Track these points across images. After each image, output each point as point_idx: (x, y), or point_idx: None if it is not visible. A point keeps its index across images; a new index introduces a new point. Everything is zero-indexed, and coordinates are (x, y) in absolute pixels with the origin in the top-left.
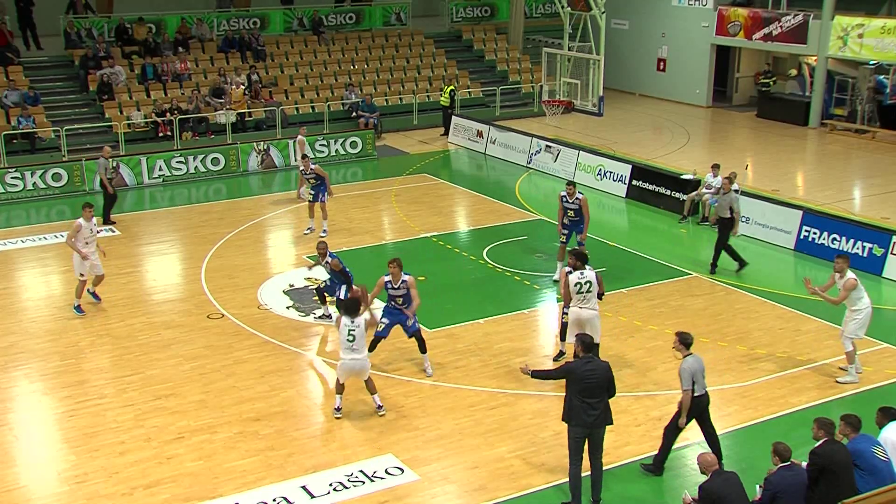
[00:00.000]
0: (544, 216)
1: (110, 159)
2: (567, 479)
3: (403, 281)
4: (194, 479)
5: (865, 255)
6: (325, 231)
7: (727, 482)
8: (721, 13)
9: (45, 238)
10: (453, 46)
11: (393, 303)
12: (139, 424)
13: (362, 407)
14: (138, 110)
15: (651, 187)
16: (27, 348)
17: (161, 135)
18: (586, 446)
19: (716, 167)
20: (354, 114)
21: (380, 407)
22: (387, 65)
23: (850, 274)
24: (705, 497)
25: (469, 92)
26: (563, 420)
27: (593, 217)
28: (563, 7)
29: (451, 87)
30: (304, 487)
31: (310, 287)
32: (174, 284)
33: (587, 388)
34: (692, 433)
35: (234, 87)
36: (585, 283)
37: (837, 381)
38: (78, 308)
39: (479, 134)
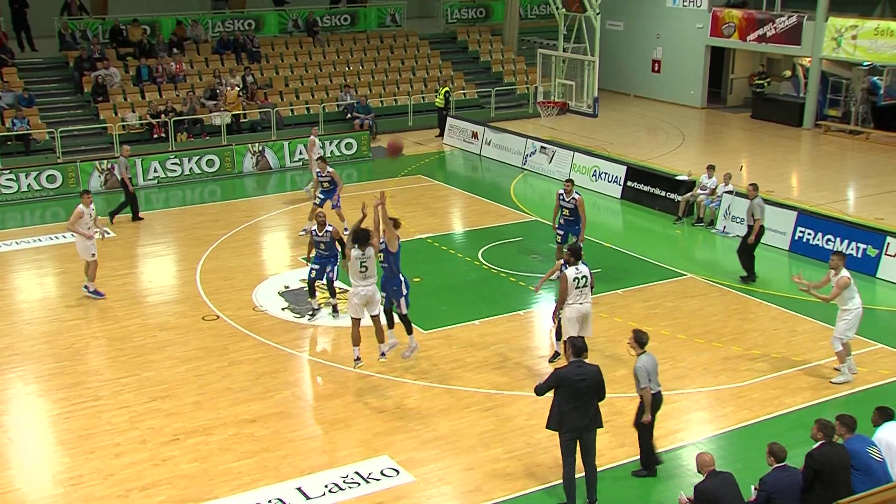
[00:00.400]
0: (539, 217)
1: (129, 158)
2: (559, 482)
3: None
4: (190, 481)
5: (860, 255)
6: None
7: (722, 483)
8: (715, 14)
9: (40, 240)
10: (448, 48)
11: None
12: (134, 426)
13: (358, 408)
14: (133, 112)
15: (646, 188)
16: (22, 350)
17: (156, 136)
18: (578, 449)
19: (711, 168)
20: (349, 115)
21: (383, 354)
22: (382, 66)
23: (844, 272)
24: (700, 497)
25: (464, 93)
26: (548, 428)
27: (589, 218)
28: (557, 8)
29: (446, 89)
30: (299, 489)
31: (304, 289)
32: (169, 286)
33: (578, 391)
34: (686, 434)
35: (228, 88)
36: (582, 278)
37: (832, 382)
38: (96, 292)
39: (475, 135)
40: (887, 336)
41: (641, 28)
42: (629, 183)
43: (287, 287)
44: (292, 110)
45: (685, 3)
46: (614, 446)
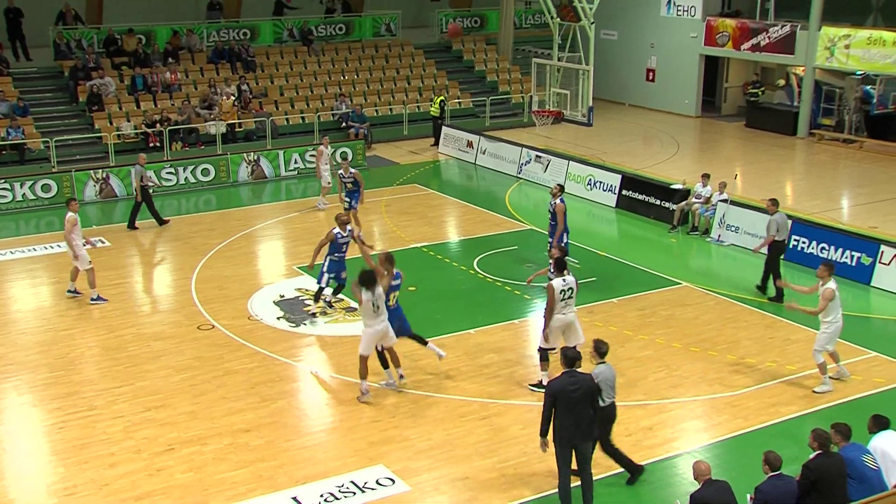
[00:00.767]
0: (535, 226)
1: (145, 166)
2: (554, 491)
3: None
4: (185, 491)
5: (854, 264)
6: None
7: (718, 491)
8: (709, 24)
9: (35, 249)
10: (443, 57)
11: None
12: (129, 436)
13: (353, 417)
14: (128, 121)
15: (641, 197)
16: (16, 360)
17: (151, 146)
18: (574, 458)
19: (705, 177)
20: (344, 124)
21: (401, 376)
22: (377, 75)
23: (830, 284)
24: None
25: (459, 102)
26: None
27: (584, 226)
28: (552, 18)
29: (441, 98)
30: (294, 499)
31: (301, 298)
32: (164, 295)
33: (572, 401)
34: (682, 442)
35: (224, 97)
36: (568, 289)
37: (814, 391)
38: (99, 297)
39: (470, 144)
40: (882, 344)
41: (636, 37)
42: (624, 192)
43: (282, 296)
44: (287, 119)
45: (679, 13)
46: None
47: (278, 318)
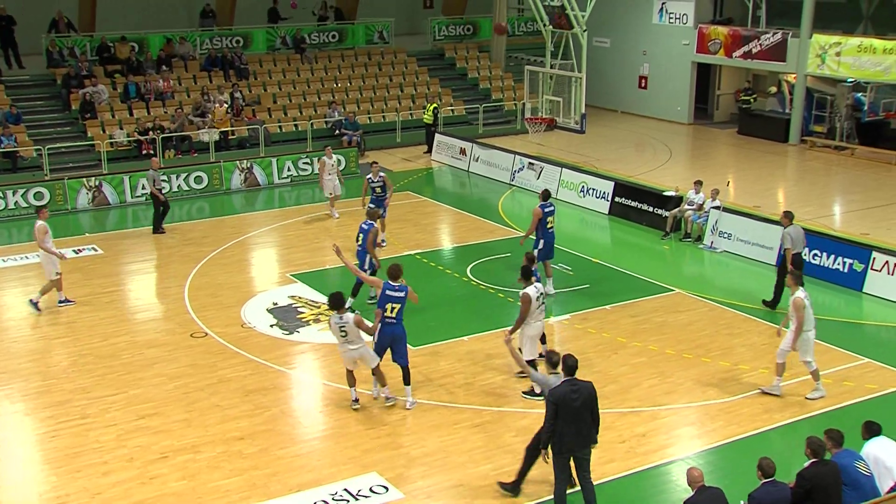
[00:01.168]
0: None
1: (159, 170)
2: (550, 497)
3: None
4: (178, 499)
5: (846, 270)
6: (383, 241)
7: (711, 498)
8: (701, 31)
9: (27, 257)
10: (436, 64)
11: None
12: (122, 444)
13: (346, 424)
14: (121, 129)
15: (634, 204)
16: (9, 368)
17: (144, 153)
18: (572, 465)
19: (698, 184)
20: (337, 132)
21: (387, 398)
22: (370, 83)
23: (799, 293)
24: None
25: (452, 110)
26: (542, 448)
27: (577, 233)
28: (544, 25)
29: (435, 105)
30: None
31: (294, 305)
32: (157, 303)
33: (573, 410)
34: (675, 449)
35: (217, 105)
36: (541, 296)
37: (807, 398)
38: (66, 300)
39: (463, 151)
40: (874, 350)
41: (628, 45)
42: (617, 199)
43: (276, 304)
44: (280, 127)
45: (671, 20)
46: (604, 462)
47: (272, 326)
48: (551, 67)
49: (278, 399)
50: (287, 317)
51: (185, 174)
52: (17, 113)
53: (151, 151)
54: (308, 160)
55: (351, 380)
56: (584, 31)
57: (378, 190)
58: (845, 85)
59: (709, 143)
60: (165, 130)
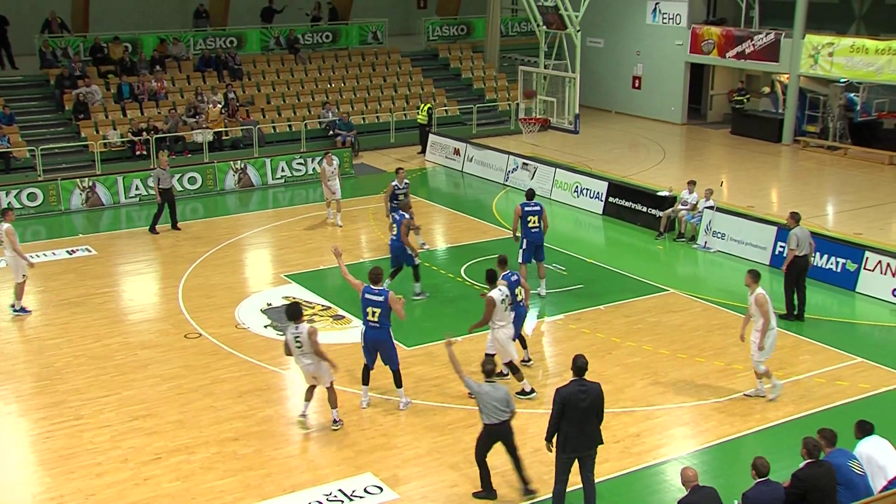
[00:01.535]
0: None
1: (167, 169)
2: (548, 496)
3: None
4: (172, 500)
5: (839, 270)
6: (418, 228)
7: (705, 497)
8: (695, 31)
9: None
10: (430, 65)
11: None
12: (116, 445)
13: (340, 426)
14: (114, 129)
15: (627, 204)
16: (2, 370)
17: (138, 154)
18: (577, 466)
19: (691, 184)
20: (331, 132)
21: (335, 422)
22: (364, 83)
23: (759, 290)
24: None
25: (446, 110)
26: (546, 440)
27: (571, 234)
28: (538, 26)
29: (428, 105)
30: None
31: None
32: (151, 304)
33: (580, 410)
34: (669, 449)
35: (210, 105)
36: (506, 297)
37: (769, 399)
38: (23, 309)
39: (456, 152)
40: (867, 350)
41: (622, 45)
42: (611, 199)
43: (270, 304)
44: (274, 127)
45: (665, 21)
46: (598, 462)
47: (266, 327)
48: (545, 68)
49: (272, 400)
50: (281, 318)
51: (179, 175)
52: (10, 113)
53: (145, 152)
54: (302, 161)
55: (308, 393)
56: (578, 31)
57: (402, 197)
58: (838, 85)
59: (702, 144)
60: (159, 131)
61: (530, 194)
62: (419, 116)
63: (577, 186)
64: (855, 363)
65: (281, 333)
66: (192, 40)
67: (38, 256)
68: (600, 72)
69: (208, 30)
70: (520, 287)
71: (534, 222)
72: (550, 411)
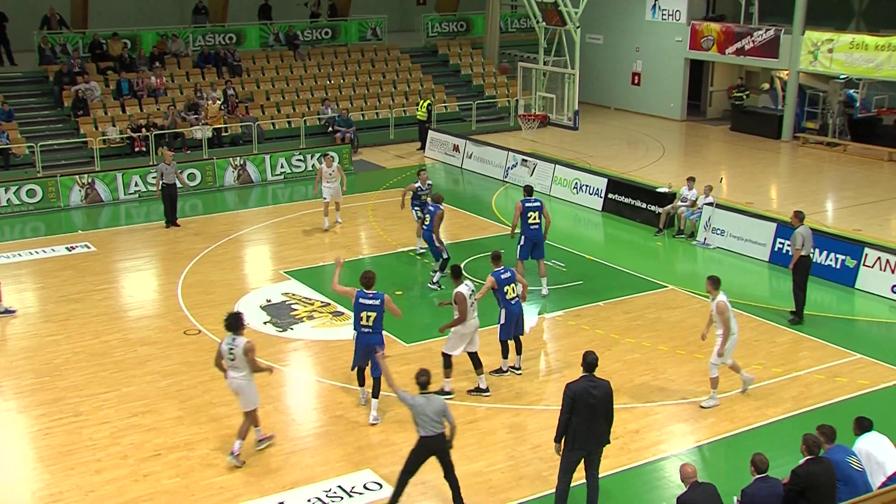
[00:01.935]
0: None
1: (171, 164)
2: (551, 491)
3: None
4: (171, 497)
5: (838, 266)
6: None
7: (705, 494)
8: (694, 28)
9: (20, 255)
10: (429, 61)
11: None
12: (115, 442)
13: (340, 422)
14: (114, 126)
15: (627, 200)
16: (1, 366)
17: (137, 150)
18: (583, 463)
19: (691, 180)
20: (331, 129)
21: (234, 454)
22: (363, 80)
23: (720, 296)
24: None
25: (445, 106)
26: (556, 440)
27: (570, 230)
28: (537, 22)
29: (428, 102)
30: (282, 503)
31: (287, 302)
32: (150, 300)
33: (589, 407)
34: (668, 445)
35: (210, 102)
36: (472, 293)
37: (701, 406)
38: (7, 310)
39: (456, 148)
40: (866, 346)
41: (621, 41)
42: (610, 195)
43: (269, 301)
44: (273, 124)
45: (664, 17)
46: None
47: (265, 323)
48: (544, 64)
49: (272, 396)
50: (280, 314)
51: (179, 171)
52: (10, 110)
53: (144, 148)
54: (301, 157)
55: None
56: (578, 27)
57: (424, 196)
58: (837, 81)
59: (701, 140)
60: (158, 127)
61: (528, 190)
62: (418, 113)
63: (576, 183)
64: (854, 360)
65: (281, 330)
66: (191, 37)
67: (38, 253)
68: (600, 68)
69: (207, 26)
70: (514, 284)
71: (534, 219)
72: (560, 407)
